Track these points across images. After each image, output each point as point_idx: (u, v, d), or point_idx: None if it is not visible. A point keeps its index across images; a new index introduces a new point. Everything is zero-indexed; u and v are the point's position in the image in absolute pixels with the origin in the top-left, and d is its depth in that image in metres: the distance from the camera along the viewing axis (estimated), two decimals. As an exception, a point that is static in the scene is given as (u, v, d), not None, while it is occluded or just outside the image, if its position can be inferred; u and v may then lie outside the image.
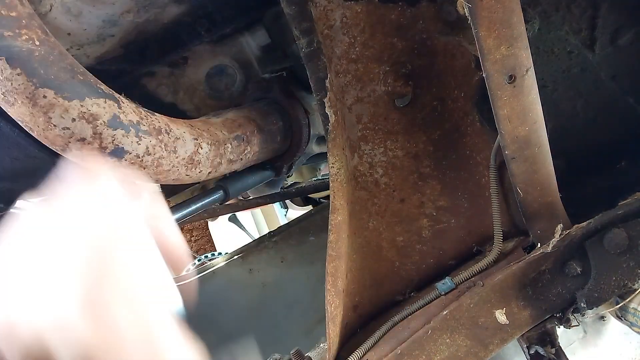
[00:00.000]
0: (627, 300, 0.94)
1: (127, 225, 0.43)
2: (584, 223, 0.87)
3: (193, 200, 1.10)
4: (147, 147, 0.76)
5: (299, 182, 2.21)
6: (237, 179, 1.17)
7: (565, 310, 0.90)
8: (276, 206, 3.92)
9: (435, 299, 0.98)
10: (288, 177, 1.76)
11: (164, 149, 0.79)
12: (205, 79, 1.23)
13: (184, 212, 1.07)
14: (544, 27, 1.00)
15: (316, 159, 1.52)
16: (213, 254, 3.63)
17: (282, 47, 1.19)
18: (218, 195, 1.14)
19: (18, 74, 0.65)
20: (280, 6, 0.90)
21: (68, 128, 0.69)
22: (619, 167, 1.11)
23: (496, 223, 1.00)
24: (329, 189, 0.98)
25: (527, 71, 0.77)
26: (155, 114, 0.81)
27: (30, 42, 0.66)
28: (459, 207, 1.08)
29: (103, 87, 0.74)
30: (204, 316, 2.03)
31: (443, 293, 0.98)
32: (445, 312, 0.90)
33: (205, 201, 1.11)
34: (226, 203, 1.85)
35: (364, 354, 0.95)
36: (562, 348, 0.93)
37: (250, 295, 2.06)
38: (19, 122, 0.70)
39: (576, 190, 1.01)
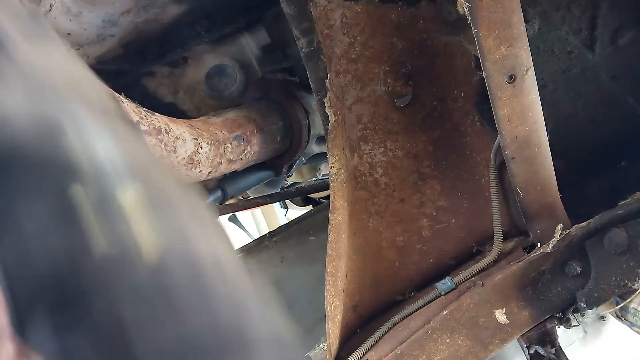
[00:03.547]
0: (627, 300, 0.94)
1: None
2: (584, 223, 0.87)
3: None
4: (147, 147, 0.76)
5: (299, 182, 2.21)
6: (236, 179, 1.17)
7: (565, 310, 0.89)
8: (276, 206, 3.91)
9: (435, 299, 0.98)
10: (288, 177, 1.76)
11: (163, 149, 0.79)
12: (205, 79, 1.23)
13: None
14: (544, 27, 1.00)
15: (316, 159, 1.52)
16: (213, 254, 3.62)
17: (282, 47, 1.19)
18: (216, 195, 1.14)
19: (18, 74, 0.65)
20: (280, 6, 0.90)
21: (68, 128, 0.69)
22: (619, 167, 1.11)
23: (496, 223, 1.00)
24: (329, 189, 0.98)
25: (527, 71, 0.77)
26: (155, 113, 0.81)
27: (30, 42, 0.66)
28: (459, 207, 1.08)
29: (103, 87, 0.73)
30: (204, 316, 2.03)
31: (443, 293, 0.98)
32: (445, 312, 0.90)
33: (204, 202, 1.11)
34: (226, 203, 1.85)
35: (364, 354, 0.95)
36: (562, 348, 0.93)
37: (250, 295, 2.05)
38: (19, 122, 0.70)
39: (576, 190, 1.01)
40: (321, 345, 1.13)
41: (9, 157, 0.24)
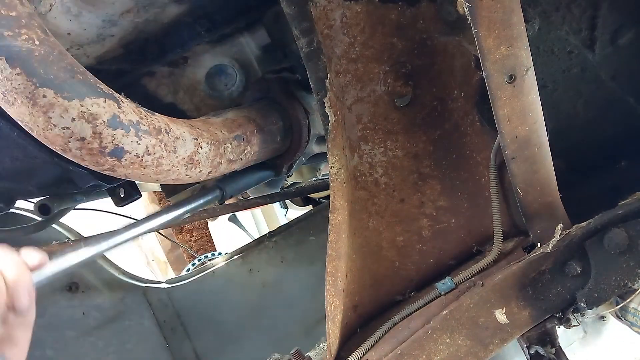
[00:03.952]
0: (627, 300, 0.94)
1: None
2: (584, 223, 0.87)
3: (190, 200, 1.10)
4: (147, 147, 0.76)
5: (299, 182, 2.21)
6: (235, 178, 1.17)
7: (565, 310, 0.90)
8: (276, 206, 3.91)
9: (435, 299, 0.98)
10: (288, 177, 1.76)
11: (163, 149, 0.79)
12: (205, 79, 1.23)
13: (181, 210, 1.07)
14: (544, 27, 1.00)
15: (316, 159, 1.52)
16: (213, 254, 3.63)
17: (282, 47, 1.19)
18: (215, 195, 1.13)
19: (18, 74, 0.65)
20: (280, 6, 0.90)
21: (68, 128, 0.69)
22: (619, 167, 1.11)
23: (496, 223, 1.00)
24: (329, 189, 0.98)
25: (527, 71, 0.77)
26: (155, 113, 0.81)
27: (30, 41, 0.66)
28: (459, 207, 1.08)
29: (103, 86, 0.73)
30: (204, 316, 2.03)
31: (443, 293, 0.98)
32: (445, 312, 0.90)
33: (202, 200, 1.11)
34: (226, 203, 1.85)
35: (364, 354, 0.95)
36: (562, 348, 0.93)
37: (250, 295, 2.06)
38: (19, 122, 0.70)
39: (576, 190, 1.01)
40: (321, 345, 1.13)
41: None
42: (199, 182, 1.31)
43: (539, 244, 0.93)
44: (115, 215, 2.21)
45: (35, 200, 1.38)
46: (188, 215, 1.10)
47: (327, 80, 0.93)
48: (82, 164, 0.74)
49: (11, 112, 0.69)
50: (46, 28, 0.70)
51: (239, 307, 2.05)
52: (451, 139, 1.04)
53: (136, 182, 1.35)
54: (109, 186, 1.21)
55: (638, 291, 0.90)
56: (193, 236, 4.96)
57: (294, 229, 2.13)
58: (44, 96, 0.66)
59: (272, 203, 2.51)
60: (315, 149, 1.30)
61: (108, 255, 1.97)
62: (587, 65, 1.05)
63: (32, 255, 0.69)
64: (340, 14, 0.92)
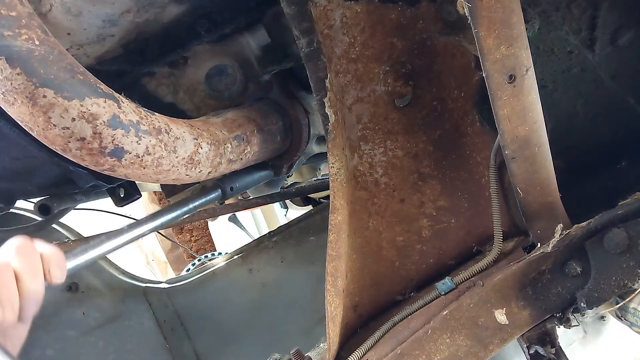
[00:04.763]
0: (627, 300, 0.94)
1: None
2: (584, 223, 0.87)
3: (191, 199, 1.10)
4: (147, 147, 0.76)
5: (299, 182, 2.21)
6: (236, 178, 1.17)
7: (565, 310, 0.89)
8: (276, 206, 3.91)
9: (435, 299, 0.98)
10: (288, 177, 1.76)
11: (163, 149, 0.79)
12: (205, 79, 1.23)
13: (181, 210, 1.07)
14: (544, 27, 1.00)
15: (316, 159, 1.52)
16: (213, 254, 3.63)
17: (282, 47, 1.19)
18: (216, 194, 1.14)
19: (18, 74, 0.65)
20: (280, 6, 0.90)
21: (68, 128, 0.69)
22: (619, 167, 1.11)
23: (496, 223, 1.00)
24: (329, 189, 0.98)
25: (527, 71, 0.77)
26: (155, 113, 0.81)
27: (30, 41, 0.66)
28: (459, 207, 1.08)
29: (103, 86, 0.73)
30: (204, 316, 2.03)
31: (443, 293, 0.98)
32: (445, 312, 0.90)
33: (203, 200, 1.11)
34: (226, 203, 1.85)
35: (364, 354, 0.95)
36: (562, 348, 0.93)
37: (250, 295, 2.06)
38: (19, 122, 0.70)
39: (576, 190, 1.01)
40: (321, 345, 1.13)
41: None
42: (198, 182, 1.31)
43: (539, 244, 0.93)
44: (115, 215, 2.22)
45: (35, 200, 1.38)
46: (189, 214, 1.10)
47: (327, 80, 0.93)
48: (82, 164, 0.74)
49: (11, 112, 0.69)
50: (46, 28, 0.70)
51: (239, 307, 2.05)
52: (451, 139, 1.04)
53: (136, 182, 1.35)
54: (109, 186, 1.22)
55: (638, 291, 0.90)
56: (193, 236, 4.96)
57: (294, 229, 2.13)
58: (44, 96, 0.66)
59: (272, 203, 2.51)
60: (315, 149, 1.30)
61: (108, 255, 1.97)
62: (587, 65, 1.05)
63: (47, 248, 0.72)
64: (340, 14, 0.92)
